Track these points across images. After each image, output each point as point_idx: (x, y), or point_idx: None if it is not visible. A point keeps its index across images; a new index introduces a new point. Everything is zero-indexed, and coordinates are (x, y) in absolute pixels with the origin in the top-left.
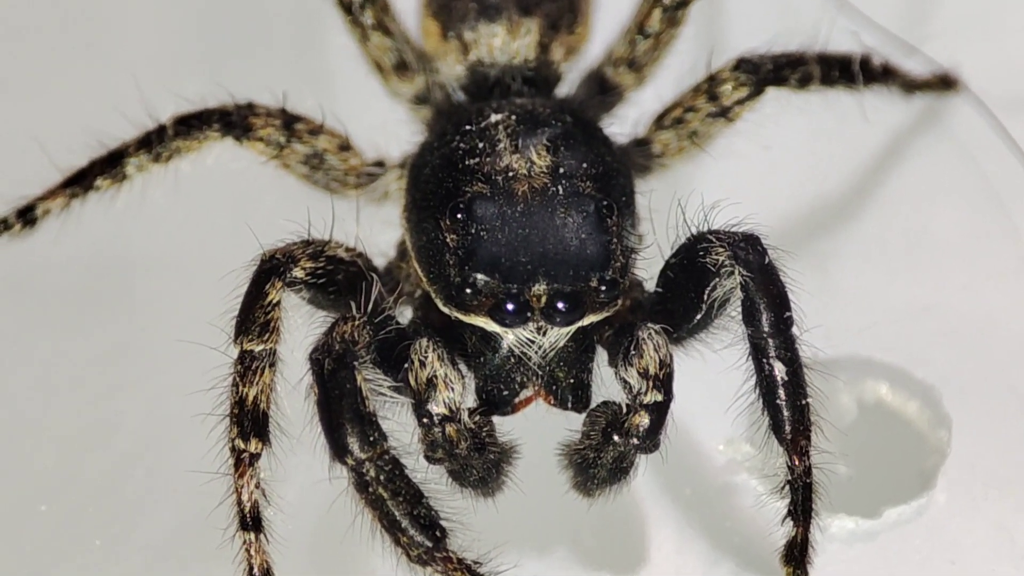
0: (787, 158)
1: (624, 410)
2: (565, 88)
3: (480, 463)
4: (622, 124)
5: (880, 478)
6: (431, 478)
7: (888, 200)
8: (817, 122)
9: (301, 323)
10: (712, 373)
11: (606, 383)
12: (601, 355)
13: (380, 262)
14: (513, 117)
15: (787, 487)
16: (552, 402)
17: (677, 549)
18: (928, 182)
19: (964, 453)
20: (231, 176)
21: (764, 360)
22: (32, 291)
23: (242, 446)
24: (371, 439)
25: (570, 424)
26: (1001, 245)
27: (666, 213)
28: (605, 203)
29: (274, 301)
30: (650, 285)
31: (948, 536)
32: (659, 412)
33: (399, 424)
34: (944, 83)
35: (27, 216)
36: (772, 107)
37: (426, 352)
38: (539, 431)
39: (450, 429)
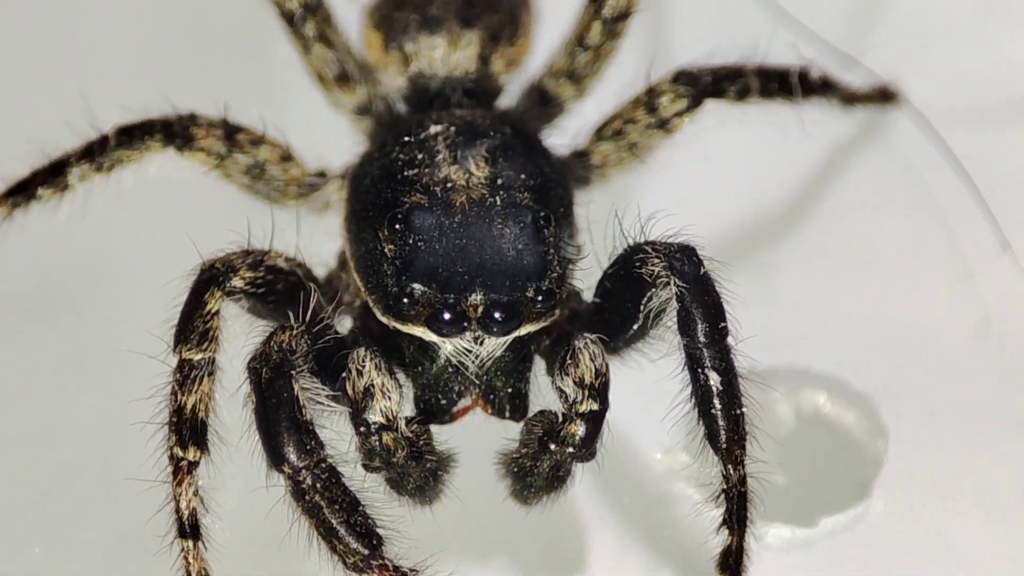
0: (727, 170)
1: (560, 419)
2: (506, 100)
3: (418, 472)
4: (562, 135)
5: (817, 487)
6: (369, 486)
7: (828, 211)
8: (757, 134)
9: (240, 332)
10: (649, 382)
11: (544, 393)
12: (539, 365)
13: (321, 272)
14: (452, 128)
15: (722, 496)
16: (490, 411)
17: (616, 557)
18: (868, 193)
19: (901, 462)
20: (172, 186)
21: (699, 370)
22: None
23: (180, 454)
24: (308, 447)
25: (508, 433)
26: (940, 256)
27: (604, 224)
28: (543, 214)
29: (213, 310)
30: (588, 295)
31: (885, 545)
32: (595, 421)
33: (337, 433)
34: (883, 96)
35: None
36: (712, 119)
37: (364, 361)
38: (477, 440)
39: (387, 438)
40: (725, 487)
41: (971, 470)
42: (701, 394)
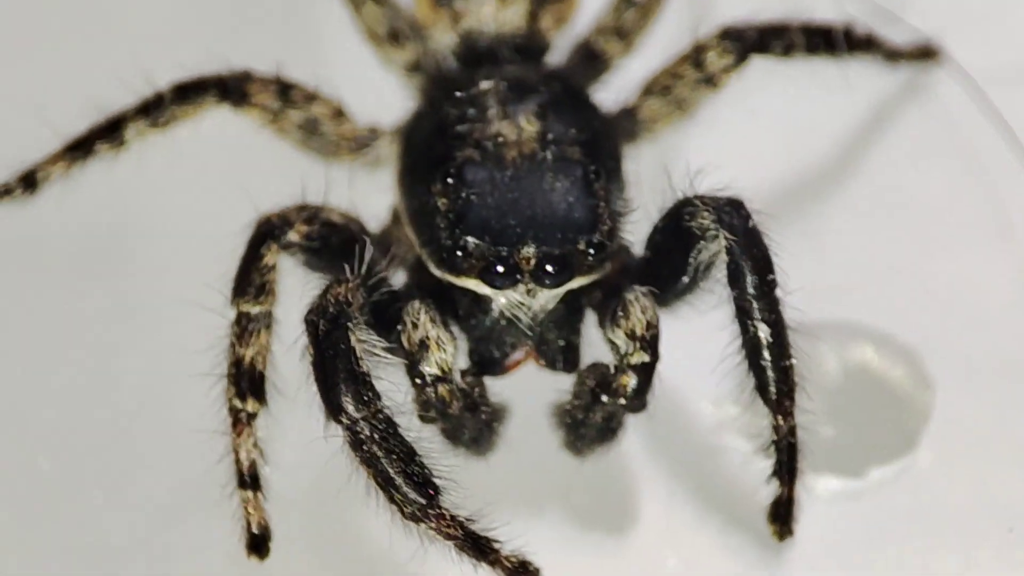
0: (773, 125)
1: (612, 370)
2: (554, 57)
3: (472, 423)
4: (610, 92)
5: (865, 439)
6: (424, 437)
7: (872, 165)
8: (802, 89)
9: (296, 285)
10: (699, 335)
11: (596, 345)
12: (591, 318)
13: (374, 227)
14: (503, 84)
15: (772, 447)
16: (542, 363)
17: (666, 507)
18: (912, 149)
19: (947, 414)
20: (228, 142)
21: (748, 322)
22: (32, 254)
23: (239, 406)
24: (365, 398)
25: (560, 385)
26: (983, 211)
27: (653, 179)
28: (593, 168)
29: (270, 264)
30: (638, 249)
31: (931, 494)
32: (646, 372)
33: (393, 384)
34: (926, 53)
35: (29, 181)
36: (757, 75)
37: (418, 314)
38: (530, 392)
39: (442, 389)
40: (775, 438)
41: (1017, 422)
42: (750, 346)
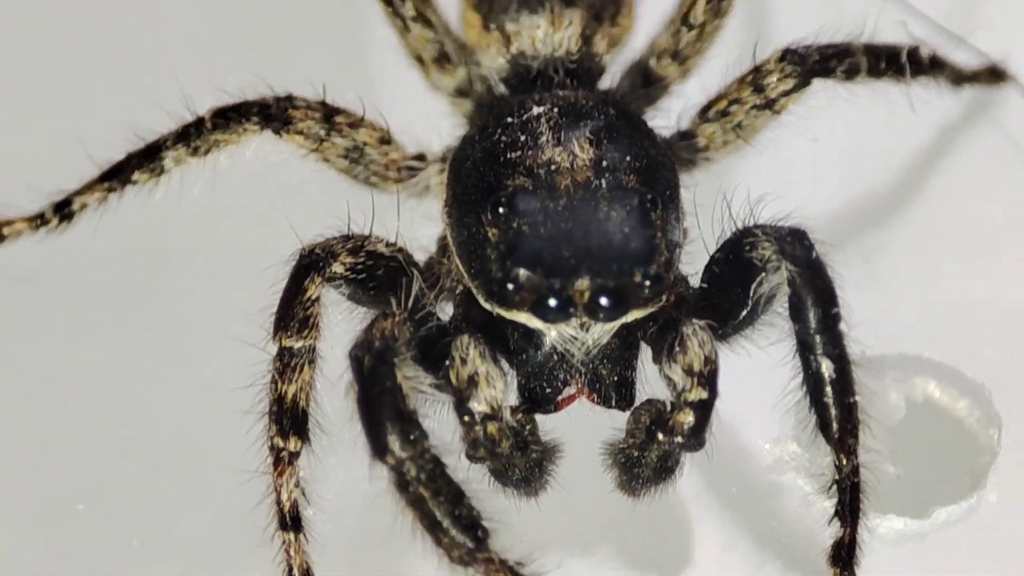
0: (834, 151)
1: (669, 408)
2: (608, 80)
3: (523, 462)
4: (666, 117)
5: (929, 477)
6: (473, 477)
7: (937, 193)
8: (864, 114)
9: (341, 319)
10: (758, 370)
11: (651, 380)
12: (645, 352)
13: (421, 257)
14: (555, 109)
15: (834, 486)
16: (596, 400)
17: (723, 549)
18: (977, 175)
19: (1015, 452)
20: (270, 169)
21: (811, 357)
22: (71, 286)
23: (281, 444)
24: (411, 437)
25: (614, 422)
26: None
27: (711, 207)
28: (649, 197)
29: (313, 297)
30: (695, 280)
31: (999, 536)
32: (704, 410)
33: (440, 422)
34: (993, 75)
35: (64, 211)
36: (819, 99)
37: (467, 349)
38: (583, 429)
39: (492, 427)
40: (837, 477)
41: None
42: (813, 382)
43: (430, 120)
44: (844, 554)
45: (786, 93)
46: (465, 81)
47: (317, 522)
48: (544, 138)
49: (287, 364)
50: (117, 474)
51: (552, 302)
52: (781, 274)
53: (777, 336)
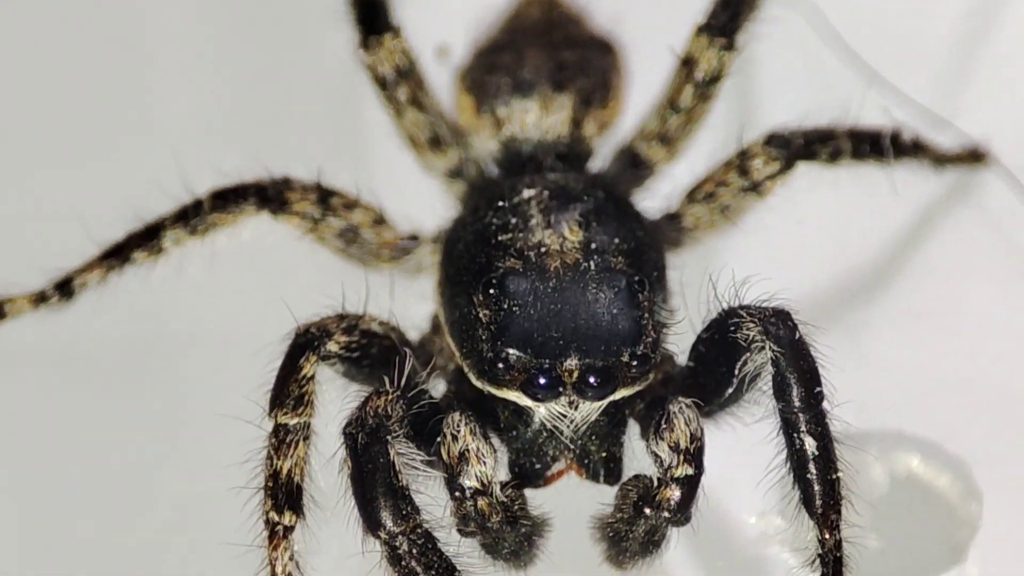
0: (818, 232)
1: (655, 483)
2: (597, 162)
3: (512, 536)
4: (654, 198)
5: (911, 551)
6: (464, 551)
7: (919, 272)
8: (848, 196)
9: (335, 396)
10: (744, 446)
11: (638, 456)
12: (633, 428)
13: (414, 336)
14: (546, 193)
15: (818, 560)
16: (584, 475)
17: None
18: (960, 255)
19: (996, 526)
20: (266, 250)
21: (795, 435)
22: (70, 363)
23: (276, 518)
24: (404, 513)
25: (602, 497)
26: None
27: (697, 287)
28: (637, 278)
29: (308, 375)
30: (682, 359)
31: None
32: (690, 485)
33: (432, 497)
34: (974, 157)
35: (64, 289)
36: (803, 182)
37: (459, 426)
38: (571, 504)
39: (482, 502)
40: (820, 552)
41: None
42: (797, 459)
43: (423, 199)
44: None
45: (771, 176)
46: (457, 163)
47: None
48: (534, 221)
49: (282, 440)
50: (118, 549)
51: (542, 381)
52: (765, 354)
53: (762, 413)
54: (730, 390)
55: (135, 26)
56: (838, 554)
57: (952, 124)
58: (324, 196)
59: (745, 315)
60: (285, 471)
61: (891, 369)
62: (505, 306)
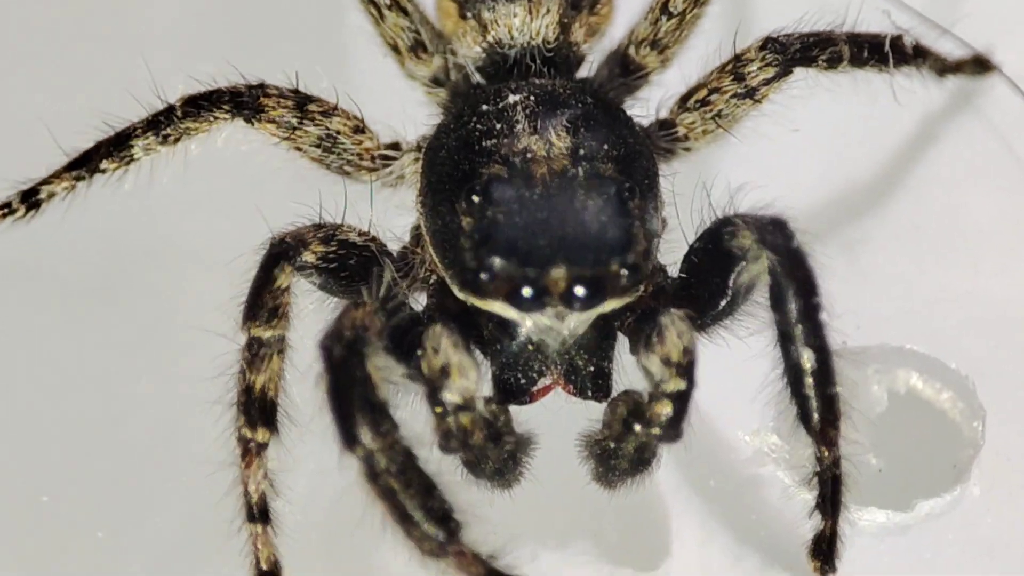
0: (816, 141)
1: (646, 399)
2: (587, 69)
3: (496, 454)
4: (645, 106)
5: (912, 470)
6: (445, 469)
7: (920, 184)
8: (847, 104)
9: (311, 309)
10: (738, 361)
11: (628, 371)
12: (623, 343)
13: (394, 247)
14: (532, 98)
15: (815, 479)
16: (571, 391)
17: (701, 543)
18: (961, 166)
19: (999, 444)
20: (241, 158)
21: (792, 347)
22: (36, 278)
23: (249, 435)
24: (382, 428)
25: (590, 414)
26: None
27: (691, 197)
28: (627, 185)
29: (283, 286)
30: (673, 271)
31: (983, 529)
32: (682, 401)
33: (412, 413)
34: (977, 65)
35: (31, 199)
36: (800, 88)
37: (440, 339)
38: (558, 421)
39: (464, 418)
40: (818, 469)
41: None
42: (793, 372)
43: (405, 109)
44: (825, 547)
45: (767, 82)
46: (441, 70)
47: (286, 513)
48: (520, 126)
49: (256, 354)
50: (81, 466)
51: (527, 291)
52: (761, 263)
53: (757, 326)
54: (724, 302)
55: None
56: (836, 472)
57: (951, 32)
58: (301, 103)
59: (740, 223)
60: (259, 386)
61: (891, 282)
62: (489, 214)
